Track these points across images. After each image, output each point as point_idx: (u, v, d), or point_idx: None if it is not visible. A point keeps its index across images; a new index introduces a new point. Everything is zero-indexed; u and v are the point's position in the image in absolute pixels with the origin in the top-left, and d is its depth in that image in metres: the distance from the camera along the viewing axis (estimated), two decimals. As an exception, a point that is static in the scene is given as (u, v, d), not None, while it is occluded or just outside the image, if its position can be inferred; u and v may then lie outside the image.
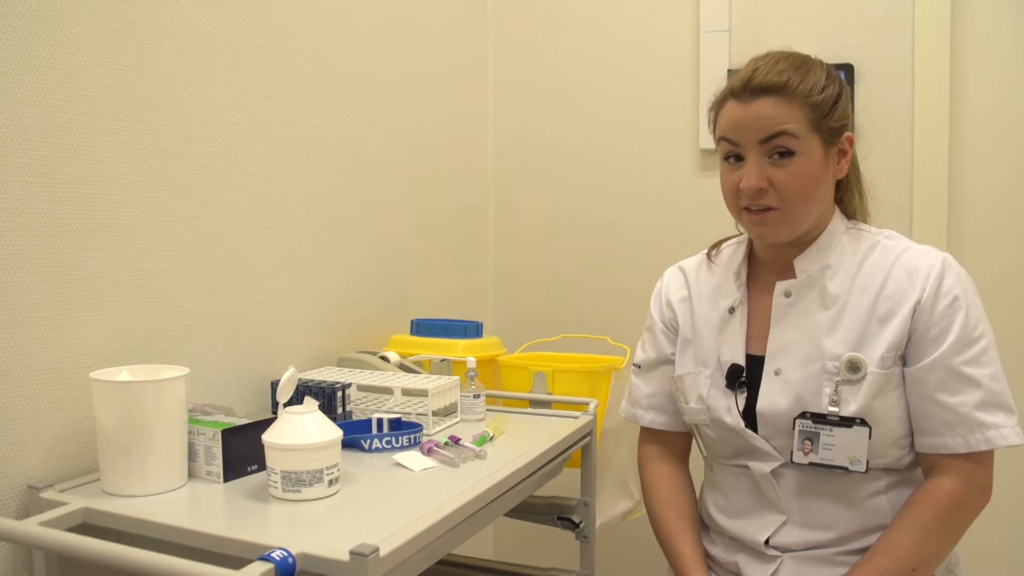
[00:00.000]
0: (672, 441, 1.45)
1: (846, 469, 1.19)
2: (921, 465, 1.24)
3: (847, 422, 1.19)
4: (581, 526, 1.57)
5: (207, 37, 1.40)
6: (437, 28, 2.11)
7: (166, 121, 1.32)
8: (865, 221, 1.34)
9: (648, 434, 1.47)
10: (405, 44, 1.96)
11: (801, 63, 1.23)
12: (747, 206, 1.23)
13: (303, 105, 1.62)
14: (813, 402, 1.22)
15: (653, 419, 1.45)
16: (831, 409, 1.20)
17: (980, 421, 1.16)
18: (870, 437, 1.18)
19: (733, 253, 1.39)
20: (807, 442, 1.21)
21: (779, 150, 1.19)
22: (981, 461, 1.18)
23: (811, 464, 1.21)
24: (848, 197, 1.33)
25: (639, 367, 1.47)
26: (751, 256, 1.37)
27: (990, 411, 1.16)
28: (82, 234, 1.19)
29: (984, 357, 1.17)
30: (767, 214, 1.22)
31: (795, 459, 1.22)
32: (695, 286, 1.41)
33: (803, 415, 1.22)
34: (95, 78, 1.20)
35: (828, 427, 1.20)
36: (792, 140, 1.18)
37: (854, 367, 1.20)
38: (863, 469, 1.19)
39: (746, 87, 1.21)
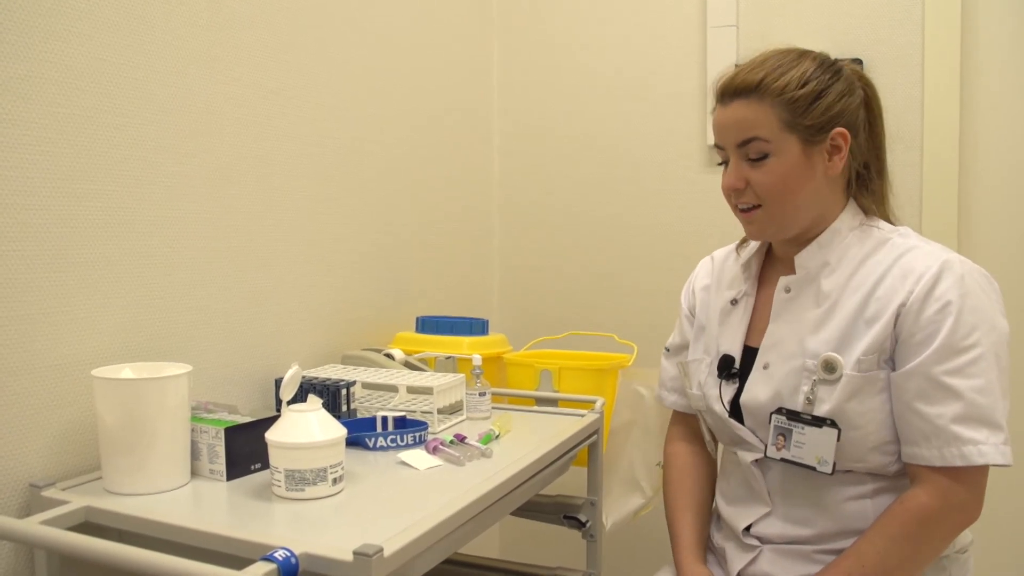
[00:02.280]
0: (695, 423, 1.46)
1: (814, 469, 1.18)
2: (907, 474, 1.19)
3: (818, 422, 1.17)
4: (588, 525, 1.56)
5: (210, 32, 1.38)
6: (442, 24, 2.09)
7: (168, 117, 1.31)
8: (887, 218, 1.30)
9: (675, 415, 1.51)
10: (410, 40, 1.95)
11: (785, 59, 1.21)
12: (735, 206, 1.27)
13: (307, 101, 1.61)
14: (790, 399, 1.21)
15: (675, 401, 1.48)
16: (805, 407, 1.19)
17: (956, 435, 1.10)
18: (839, 439, 1.16)
19: (755, 245, 1.39)
20: (780, 438, 1.21)
21: (752, 154, 1.21)
22: (959, 478, 1.12)
23: (783, 460, 1.21)
24: (862, 193, 1.29)
25: (668, 350, 1.51)
26: (769, 251, 1.37)
27: (970, 425, 1.10)
28: (84, 231, 1.18)
29: (973, 368, 1.11)
30: (752, 212, 1.24)
31: (769, 453, 1.23)
32: (717, 276, 1.43)
33: (779, 411, 1.21)
34: (97, 73, 1.19)
35: (800, 425, 1.19)
36: (763, 144, 1.20)
37: (829, 367, 1.17)
38: (829, 471, 1.16)
39: (724, 91, 1.23)
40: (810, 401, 1.18)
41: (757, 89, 1.19)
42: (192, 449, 1.16)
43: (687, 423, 1.47)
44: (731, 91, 1.22)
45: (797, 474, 1.22)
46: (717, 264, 1.45)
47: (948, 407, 1.11)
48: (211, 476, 1.16)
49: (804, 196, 1.22)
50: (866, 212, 1.29)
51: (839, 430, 1.16)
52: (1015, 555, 1.94)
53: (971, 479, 1.13)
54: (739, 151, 1.22)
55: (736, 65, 1.26)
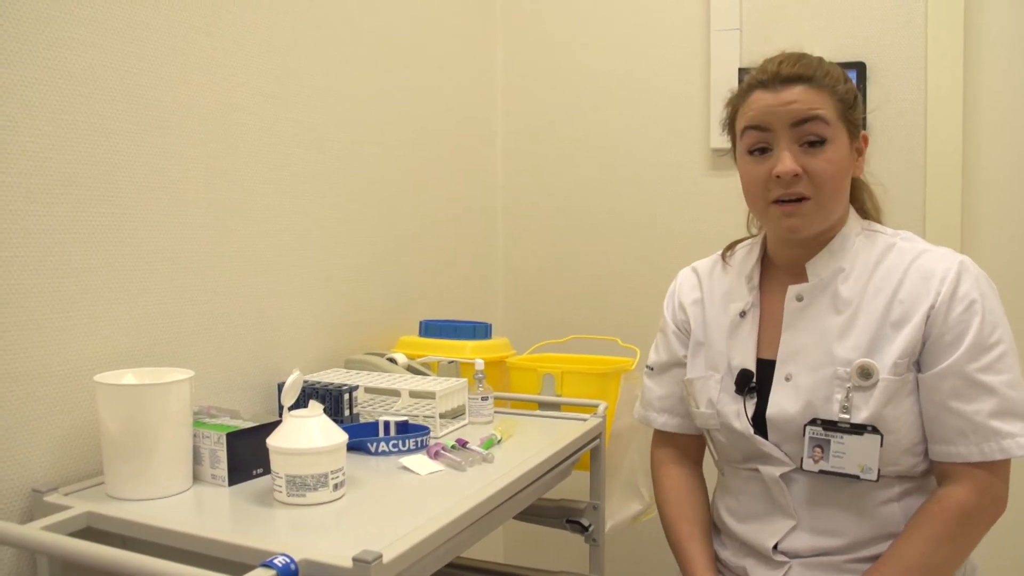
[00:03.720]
0: (685, 444, 1.44)
1: (857, 477, 1.17)
2: (935, 473, 1.21)
3: (858, 429, 1.16)
4: (590, 529, 1.56)
5: (212, 38, 1.39)
6: (446, 26, 2.09)
7: (170, 122, 1.31)
8: (879, 221, 1.32)
9: (661, 437, 1.47)
10: (413, 42, 1.95)
11: (820, 60, 1.23)
12: (778, 198, 1.20)
13: (310, 105, 1.61)
14: (824, 408, 1.19)
15: (666, 422, 1.44)
16: (842, 416, 1.18)
17: (995, 429, 1.13)
18: (882, 445, 1.16)
19: (747, 255, 1.37)
20: (817, 449, 1.19)
21: (810, 137, 1.18)
22: (995, 471, 1.15)
23: (822, 472, 1.19)
24: (862, 197, 1.32)
25: (651, 369, 1.47)
26: (764, 259, 1.35)
27: (1006, 419, 1.13)
28: (86, 237, 1.18)
29: (1000, 364, 1.14)
30: (800, 204, 1.19)
31: (805, 467, 1.20)
32: (708, 288, 1.40)
33: (813, 422, 1.19)
34: (99, 80, 1.20)
35: (839, 434, 1.17)
36: (824, 126, 1.18)
37: (866, 373, 1.17)
38: (874, 477, 1.16)
39: (776, 77, 1.20)
40: (846, 409, 1.18)
41: (814, 78, 1.19)
42: (194, 454, 1.16)
43: (676, 444, 1.44)
44: (784, 77, 1.19)
45: (826, 484, 1.21)
46: (704, 276, 1.41)
47: (984, 403, 1.13)
48: (213, 481, 1.16)
49: (844, 192, 1.23)
50: (862, 216, 1.30)
51: (882, 436, 1.15)
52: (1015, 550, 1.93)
53: (1003, 471, 1.16)
54: (793, 133, 1.18)
55: (768, 60, 1.24)
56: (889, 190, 1.36)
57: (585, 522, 1.56)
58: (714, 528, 1.39)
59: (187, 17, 1.34)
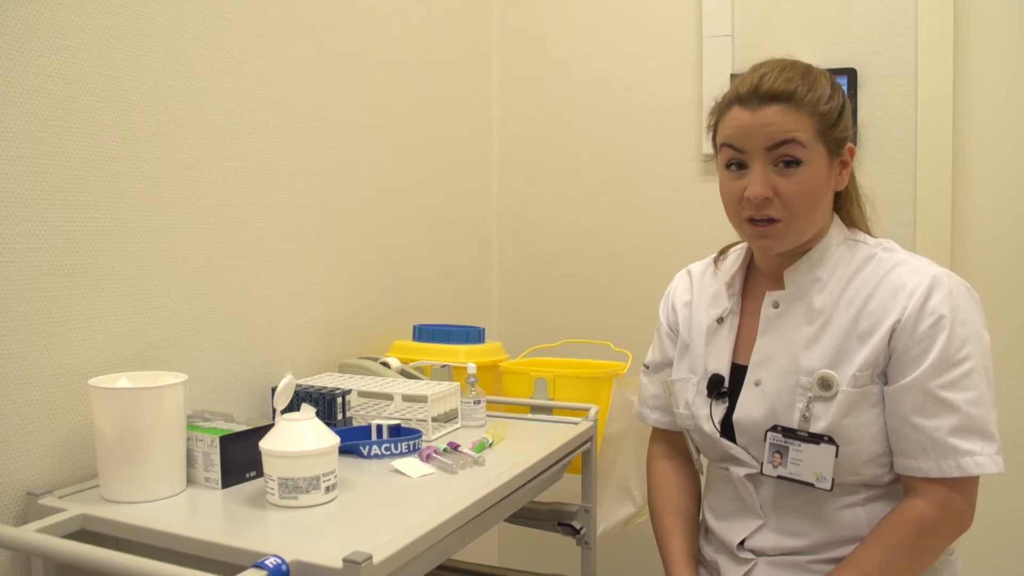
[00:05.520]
0: (678, 440, 1.46)
1: (812, 485, 1.18)
2: (901, 483, 1.21)
3: (815, 439, 1.18)
4: (582, 532, 1.57)
5: (207, 45, 1.40)
6: (442, 35, 2.11)
7: (165, 128, 1.33)
8: (865, 230, 1.32)
9: (656, 433, 1.50)
10: (409, 51, 1.97)
11: (807, 72, 1.21)
12: (750, 217, 1.20)
13: (305, 112, 1.63)
14: (785, 416, 1.21)
15: (658, 419, 1.47)
16: (801, 424, 1.19)
17: (953, 447, 1.12)
18: (837, 455, 1.16)
19: (735, 260, 1.38)
20: (777, 455, 1.21)
21: (785, 159, 1.17)
22: (957, 487, 1.14)
23: (780, 477, 1.21)
24: (848, 207, 1.31)
25: (647, 368, 1.49)
26: (751, 264, 1.36)
27: (966, 437, 1.12)
28: (81, 241, 1.20)
29: (966, 381, 1.13)
30: (771, 226, 1.19)
31: (765, 471, 1.23)
32: (697, 291, 1.41)
33: (774, 428, 1.21)
34: (95, 86, 1.21)
35: (797, 442, 1.19)
36: (799, 149, 1.16)
37: (826, 384, 1.18)
38: (828, 487, 1.17)
39: (754, 93, 1.18)
40: (806, 418, 1.19)
41: (793, 98, 1.17)
42: (188, 457, 1.17)
43: (669, 440, 1.47)
44: (763, 95, 1.17)
45: (789, 487, 1.23)
46: (695, 280, 1.43)
47: (945, 420, 1.12)
48: (206, 484, 1.17)
49: (821, 209, 1.22)
50: (847, 224, 1.30)
51: (837, 446, 1.16)
52: (1003, 556, 1.95)
53: (967, 488, 1.15)
54: (768, 155, 1.17)
55: (754, 67, 1.22)
56: (879, 196, 1.37)
57: (577, 525, 1.57)
58: (703, 524, 1.41)
59: (183, 24, 1.35)
